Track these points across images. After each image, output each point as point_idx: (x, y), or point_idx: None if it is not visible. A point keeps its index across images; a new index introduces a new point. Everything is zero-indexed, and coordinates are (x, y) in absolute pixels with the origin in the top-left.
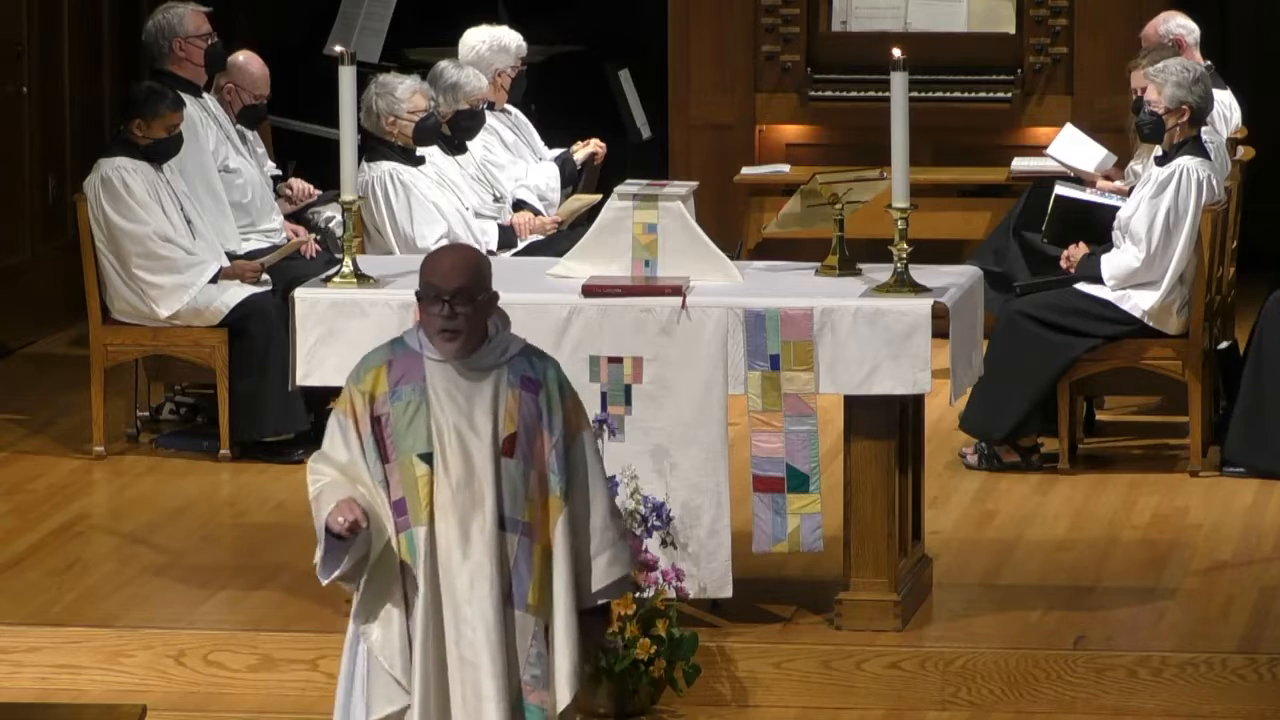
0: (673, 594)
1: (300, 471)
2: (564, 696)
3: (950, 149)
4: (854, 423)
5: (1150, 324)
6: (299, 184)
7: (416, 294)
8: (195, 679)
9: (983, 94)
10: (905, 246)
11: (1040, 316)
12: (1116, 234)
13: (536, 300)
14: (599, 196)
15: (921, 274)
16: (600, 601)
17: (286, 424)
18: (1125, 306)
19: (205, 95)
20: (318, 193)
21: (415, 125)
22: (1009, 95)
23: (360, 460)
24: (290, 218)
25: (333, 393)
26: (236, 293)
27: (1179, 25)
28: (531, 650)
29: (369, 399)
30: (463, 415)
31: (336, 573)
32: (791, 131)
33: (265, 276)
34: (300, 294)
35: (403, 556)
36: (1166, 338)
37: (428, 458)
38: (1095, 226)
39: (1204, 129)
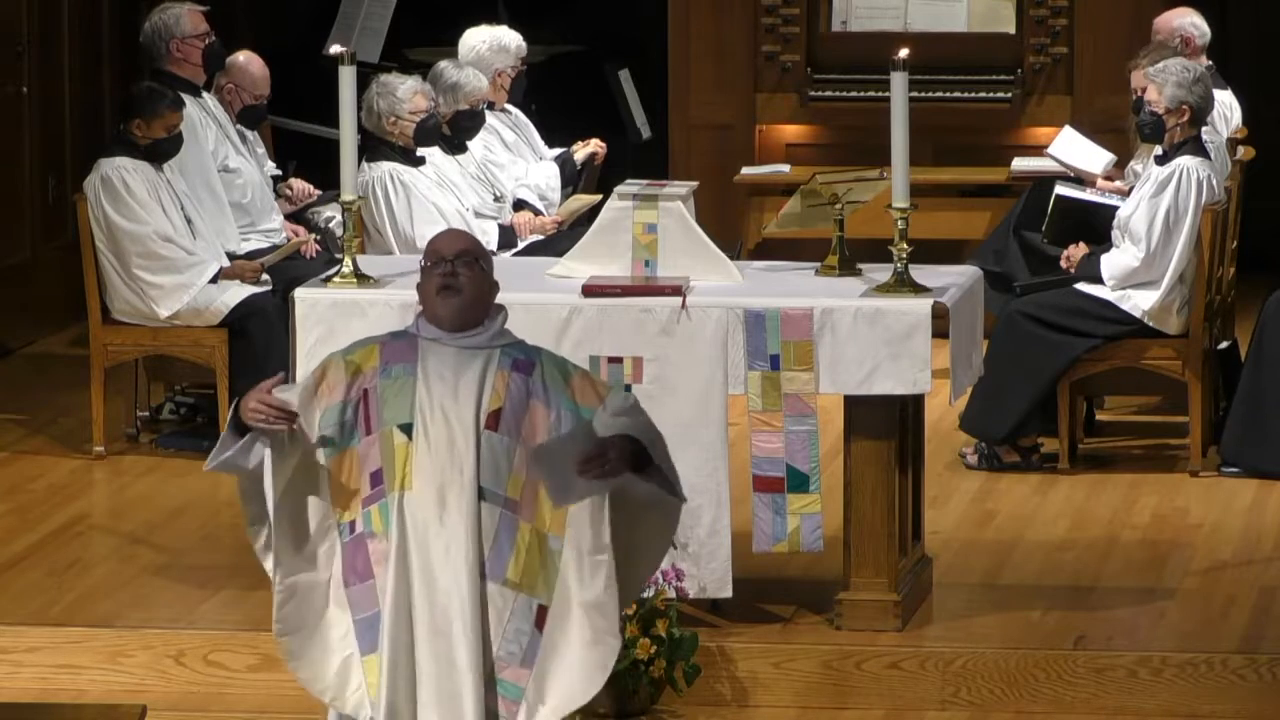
0: (673, 594)
1: None
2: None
3: (950, 149)
4: (854, 423)
5: (1150, 324)
6: (299, 184)
7: (418, 285)
8: (195, 679)
9: (983, 94)
10: (905, 246)
11: (1040, 316)
12: (1116, 234)
13: (536, 300)
14: (599, 196)
15: (921, 274)
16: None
17: None
18: (1125, 306)
19: (205, 95)
20: (318, 193)
21: (416, 126)
22: (1009, 95)
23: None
24: (290, 218)
25: None
26: (236, 293)
27: (1192, 24)
28: (509, 626)
29: (354, 370)
30: (448, 389)
31: (223, 457)
32: (791, 131)
33: (265, 276)
34: (300, 294)
35: (374, 527)
36: (1166, 338)
37: (407, 429)
38: (1095, 226)
39: (1204, 129)
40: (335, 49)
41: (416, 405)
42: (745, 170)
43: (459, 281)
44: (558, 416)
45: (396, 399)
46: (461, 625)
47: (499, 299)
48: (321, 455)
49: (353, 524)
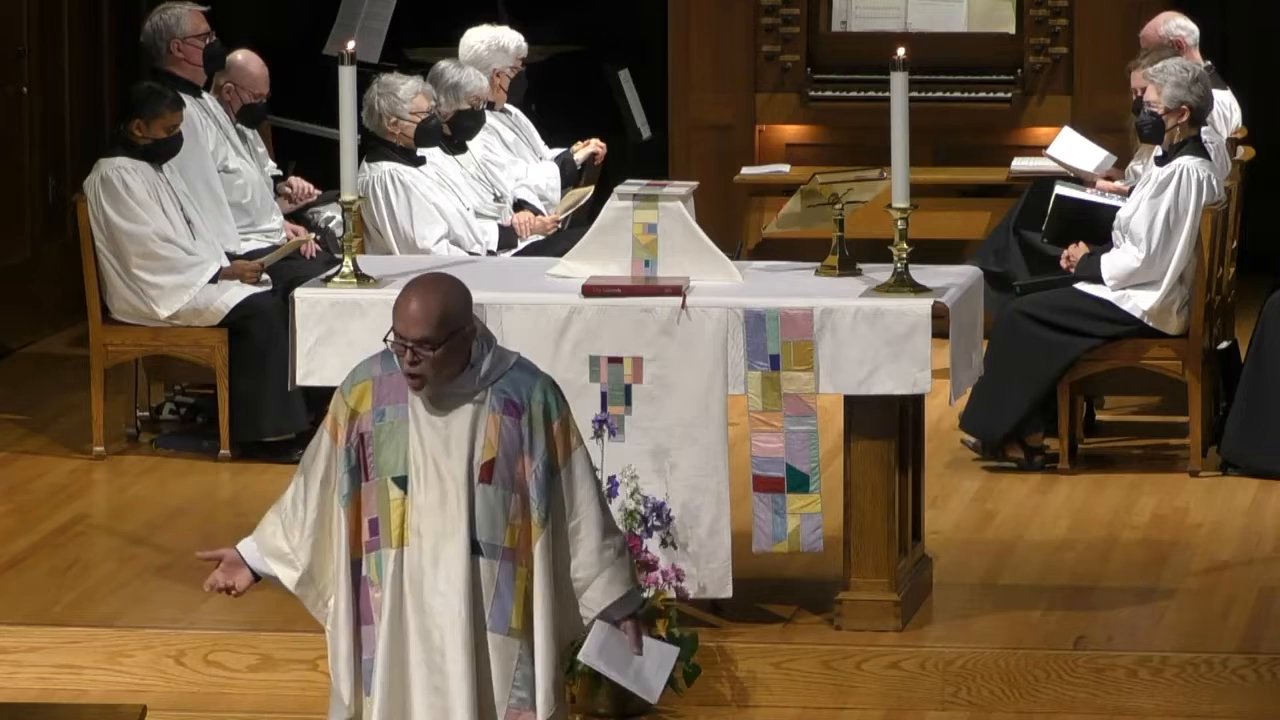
0: (673, 594)
1: None
2: (542, 712)
3: (950, 149)
4: (854, 423)
5: (1150, 324)
6: (299, 184)
7: (386, 337)
8: (195, 679)
9: (983, 94)
10: (905, 246)
11: (1040, 316)
12: (1116, 234)
13: (536, 300)
14: (592, 187)
15: (921, 274)
16: (616, 617)
17: (286, 424)
18: (1125, 306)
19: (205, 95)
20: (318, 193)
21: (417, 126)
22: (1009, 95)
23: (325, 470)
24: (290, 218)
25: (332, 393)
26: (236, 293)
27: (1179, 26)
28: (517, 674)
29: (352, 414)
30: (440, 440)
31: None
32: (791, 131)
33: (265, 276)
34: (300, 294)
35: (370, 574)
36: (1166, 338)
37: (402, 481)
38: (1095, 226)
39: (1204, 129)
40: (350, 46)
41: (410, 457)
42: (745, 170)
43: (420, 368)
44: (537, 467)
45: (390, 446)
46: (458, 684)
47: (489, 302)
48: (341, 507)
49: (360, 564)
